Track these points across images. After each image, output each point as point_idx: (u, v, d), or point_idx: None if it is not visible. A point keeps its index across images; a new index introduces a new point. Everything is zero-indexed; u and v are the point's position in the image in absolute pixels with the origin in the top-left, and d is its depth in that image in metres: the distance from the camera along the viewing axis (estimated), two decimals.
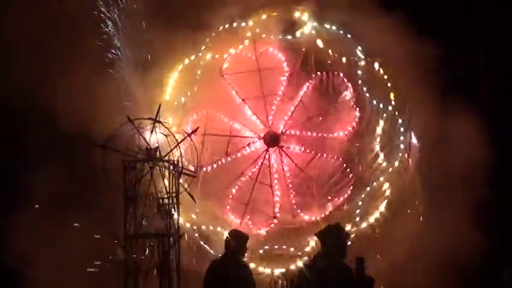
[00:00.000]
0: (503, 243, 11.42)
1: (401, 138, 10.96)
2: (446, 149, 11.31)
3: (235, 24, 10.82)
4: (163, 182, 8.75)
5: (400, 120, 10.93)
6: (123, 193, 8.61)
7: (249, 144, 10.92)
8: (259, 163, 11.00)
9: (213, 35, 10.72)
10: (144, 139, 8.69)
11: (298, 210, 10.91)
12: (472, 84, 12.75)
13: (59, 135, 10.46)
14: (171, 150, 8.79)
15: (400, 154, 10.94)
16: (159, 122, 8.83)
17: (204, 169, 10.46)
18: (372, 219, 10.73)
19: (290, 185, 10.98)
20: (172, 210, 8.74)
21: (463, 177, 11.14)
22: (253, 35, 10.83)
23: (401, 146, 10.94)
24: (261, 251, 10.72)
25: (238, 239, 6.76)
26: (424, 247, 10.65)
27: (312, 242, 10.53)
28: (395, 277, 10.48)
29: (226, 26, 10.78)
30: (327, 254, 5.91)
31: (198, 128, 9.36)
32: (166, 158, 8.78)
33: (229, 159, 10.85)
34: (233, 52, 10.87)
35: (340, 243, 5.94)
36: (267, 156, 11.03)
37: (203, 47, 10.77)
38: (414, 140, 10.95)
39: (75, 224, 10.75)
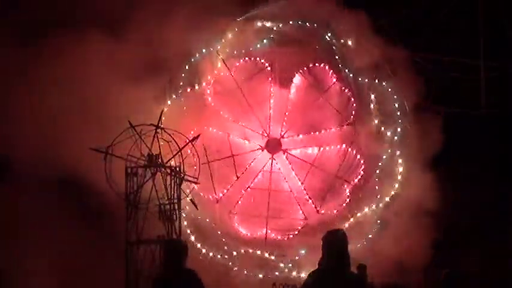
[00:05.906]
0: None
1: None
2: None
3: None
4: (165, 188, 8.75)
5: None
6: (125, 199, 8.63)
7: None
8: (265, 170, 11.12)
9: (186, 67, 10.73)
10: (146, 145, 8.70)
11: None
12: None
13: None
14: (173, 156, 8.81)
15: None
16: (161, 128, 8.85)
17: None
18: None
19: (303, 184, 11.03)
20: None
21: None
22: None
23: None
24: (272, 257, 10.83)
25: (176, 249, 6.04)
26: None
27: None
28: None
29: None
30: (327, 262, 5.73)
31: (199, 135, 9.37)
32: (168, 164, 8.79)
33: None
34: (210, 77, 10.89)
35: (339, 248, 5.74)
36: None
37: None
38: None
39: None
